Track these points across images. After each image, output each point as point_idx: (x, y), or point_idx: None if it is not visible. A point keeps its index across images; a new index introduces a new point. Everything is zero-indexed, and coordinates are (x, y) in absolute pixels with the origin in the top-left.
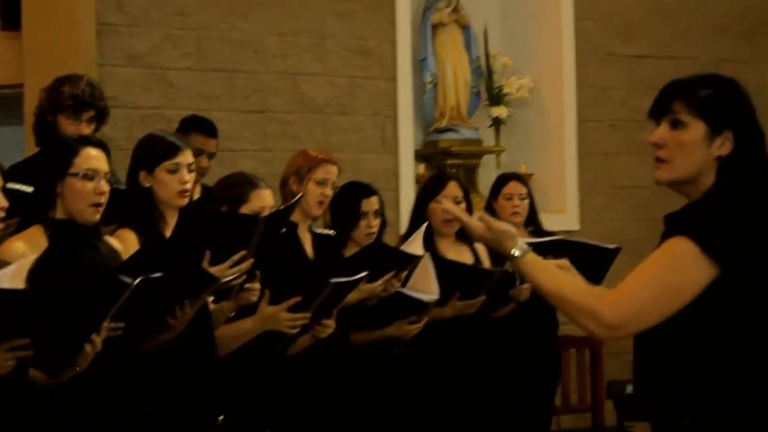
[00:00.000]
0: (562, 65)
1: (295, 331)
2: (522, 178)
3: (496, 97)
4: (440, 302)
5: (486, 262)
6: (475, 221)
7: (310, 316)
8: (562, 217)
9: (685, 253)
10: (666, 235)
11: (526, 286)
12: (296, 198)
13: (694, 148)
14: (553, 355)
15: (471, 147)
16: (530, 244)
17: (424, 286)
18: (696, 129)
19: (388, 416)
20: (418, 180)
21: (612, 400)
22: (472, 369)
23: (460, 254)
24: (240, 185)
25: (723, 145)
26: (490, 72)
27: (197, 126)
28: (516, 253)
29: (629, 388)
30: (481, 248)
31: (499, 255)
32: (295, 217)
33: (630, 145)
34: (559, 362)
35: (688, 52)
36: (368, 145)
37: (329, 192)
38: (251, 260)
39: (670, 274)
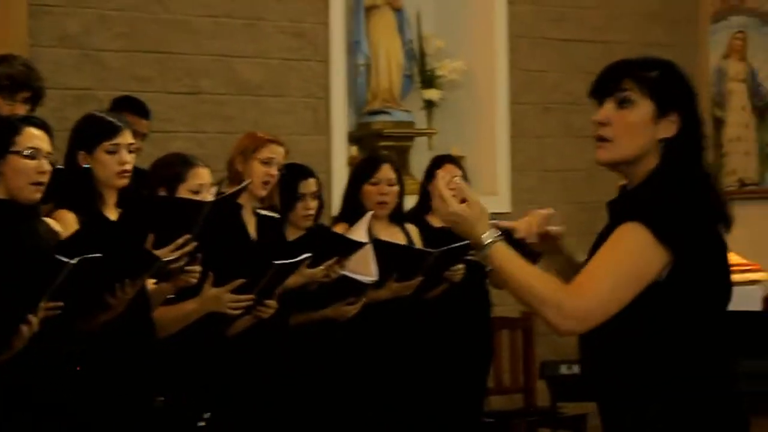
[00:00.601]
0: (495, 48)
1: (238, 312)
2: (457, 161)
3: (429, 80)
4: (377, 284)
5: (418, 244)
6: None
7: (254, 297)
8: (494, 199)
9: (640, 240)
10: (615, 222)
11: (460, 267)
12: (243, 184)
13: (640, 128)
14: (485, 336)
15: (403, 129)
16: None
17: (363, 268)
18: (644, 108)
19: (326, 396)
20: (350, 162)
21: (545, 380)
22: (407, 351)
23: (393, 236)
24: (177, 165)
25: (668, 128)
26: (422, 55)
27: (129, 106)
28: (488, 239)
29: (563, 369)
30: (413, 230)
31: (431, 237)
32: (241, 198)
33: (562, 128)
34: (492, 343)
35: (619, 36)
36: (301, 127)
37: (274, 172)
38: (194, 244)
39: (628, 263)
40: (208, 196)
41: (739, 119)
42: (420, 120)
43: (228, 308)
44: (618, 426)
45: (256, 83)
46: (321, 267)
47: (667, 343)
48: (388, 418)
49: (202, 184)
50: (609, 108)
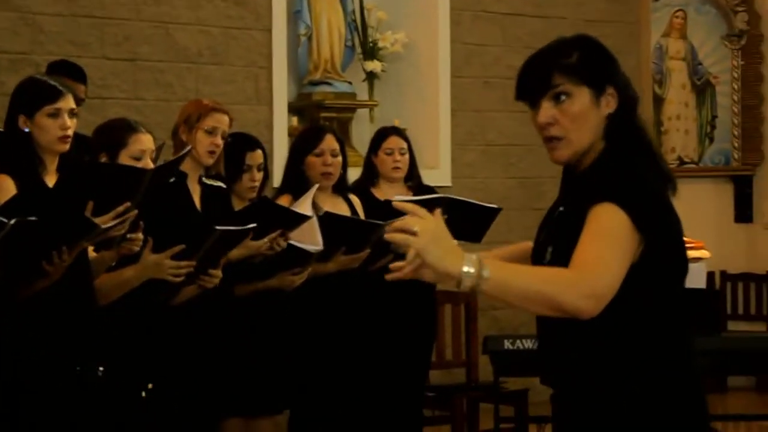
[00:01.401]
0: (437, 21)
1: (179, 279)
2: (402, 133)
3: (371, 52)
4: (324, 257)
5: (362, 216)
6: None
7: (194, 264)
8: (435, 173)
9: (622, 221)
10: (579, 203)
11: None
12: (185, 150)
13: (586, 116)
14: (429, 311)
15: (345, 100)
16: (412, 201)
17: (308, 237)
18: (582, 95)
19: (270, 368)
20: (291, 132)
21: (488, 355)
22: (353, 324)
23: (337, 207)
24: (119, 130)
25: (609, 103)
26: (364, 26)
27: (65, 71)
28: (486, 273)
29: (507, 344)
30: (356, 201)
31: (375, 209)
32: (186, 166)
33: (503, 102)
34: (436, 318)
35: (560, 11)
36: (241, 97)
37: (220, 141)
38: (135, 212)
39: (620, 239)
40: (150, 162)
41: (678, 97)
42: (361, 92)
43: (168, 274)
44: (579, 408)
45: (196, 51)
46: (265, 239)
47: (631, 324)
48: (331, 391)
49: (143, 150)
50: (548, 107)
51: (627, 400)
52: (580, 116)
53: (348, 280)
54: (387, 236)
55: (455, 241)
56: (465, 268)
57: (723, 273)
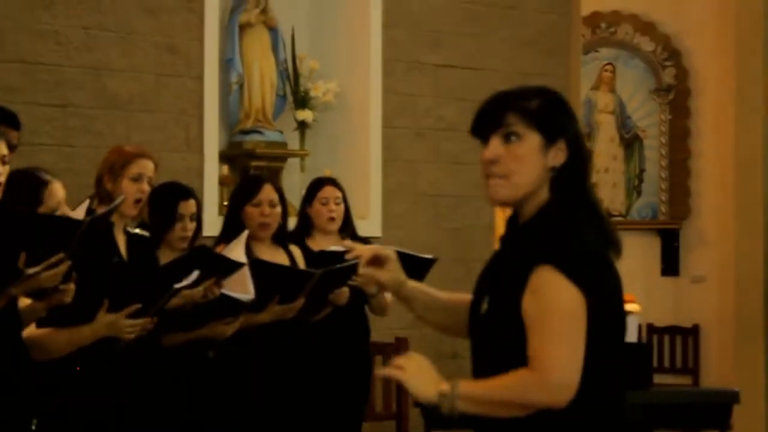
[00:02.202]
0: (369, 71)
1: (134, 336)
2: (337, 183)
3: (302, 101)
4: (258, 307)
5: (302, 266)
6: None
7: (150, 320)
8: (365, 223)
9: (560, 283)
10: (518, 262)
11: (345, 289)
12: (118, 201)
13: (531, 160)
14: (364, 362)
15: (276, 150)
16: (344, 252)
17: (240, 286)
18: (531, 140)
19: (202, 422)
20: (221, 181)
21: (419, 408)
22: (287, 374)
23: (276, 257)
24: (30, 188)
25: (557, 156)
26: (296, 75)
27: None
28: (457, 393)
29: None
30: (296, 252)
31: (311, 260)
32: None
33: (434, 153)
34: (371, 369)
35: (493, 64)
36: (172, 144)
37: (146, 188)
38: (68, 263)
39: (564, 308)
40: (67, 209)
41: (607, 150)
42: (292, 141)
43: (125, 333)
44: None
45: (127, 98)
46: (199, 288)
47: None
48: None
49: (59, 201)
50: (496, 144)
51: None
52: (525, 159)
53: (284, 330)
54: (380, 372)
55: (435, 374)
56: (440, 395)
57: (650, 326)
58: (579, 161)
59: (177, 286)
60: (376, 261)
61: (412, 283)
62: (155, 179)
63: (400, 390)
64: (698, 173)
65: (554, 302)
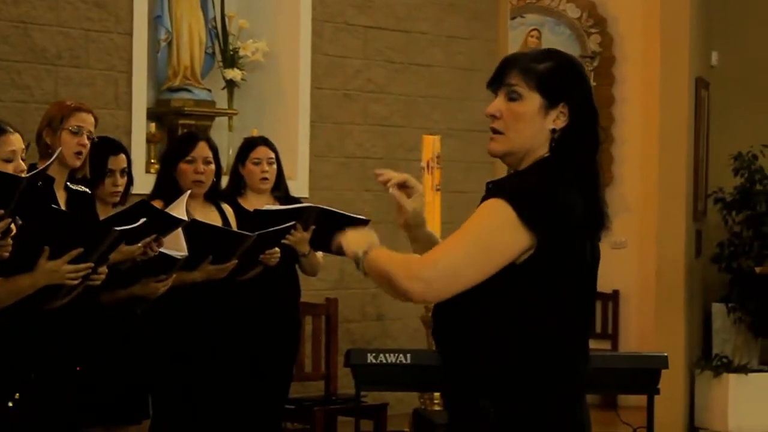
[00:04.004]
0: (299, 31)
1: (77, 282)
2: (270, 143)
3: (231, 60)
4: (191, 266)
5: (234, 225)
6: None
7: (92, 265)
8: (293, 183)
9: (502, 215)
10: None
11: (276, 250)
12: (56, 153)
13: (529, 120)
14: (294, 322)
15: (204, 108)
16: (279, 211)
17: (173, 244)
18: (531, 101)
19: (132, 377)
20: (149, 138)
21: (351, 369)
22: (216, 333)
23: (209, 216)
24: None
25: (557, 119)
26: (225, 33)
27: None
28: (367, 254)
29: (370, 358)
30: (229, 210)
31: (243, 219)
32: (52, 170)
33: (362, 115)
34: (300, 329)
35: (421, 26)
36: (101, 101)
37: (86, 141)
38: (9, 219)
39: (485, 234)
40: (22, 163)
41: None
42: (221, 100)
43: (67, 279)
44: (461, 421)
45: (55, 52)
46: (139, 244)
47: (512, 334)
48: (192, 401)
49: (14, 150)
50: (500, 101)
51: (501, 418)
52: (523, 119)
53: (214, 290)
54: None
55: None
56: (356, 253)
57: None
58: (583, 127)
59: (118, 228)
60: (405, 187)
61: (428, 228)
62: (95, 134)
63: (330, 351)
64: (622, 140)
65: (483, 223)
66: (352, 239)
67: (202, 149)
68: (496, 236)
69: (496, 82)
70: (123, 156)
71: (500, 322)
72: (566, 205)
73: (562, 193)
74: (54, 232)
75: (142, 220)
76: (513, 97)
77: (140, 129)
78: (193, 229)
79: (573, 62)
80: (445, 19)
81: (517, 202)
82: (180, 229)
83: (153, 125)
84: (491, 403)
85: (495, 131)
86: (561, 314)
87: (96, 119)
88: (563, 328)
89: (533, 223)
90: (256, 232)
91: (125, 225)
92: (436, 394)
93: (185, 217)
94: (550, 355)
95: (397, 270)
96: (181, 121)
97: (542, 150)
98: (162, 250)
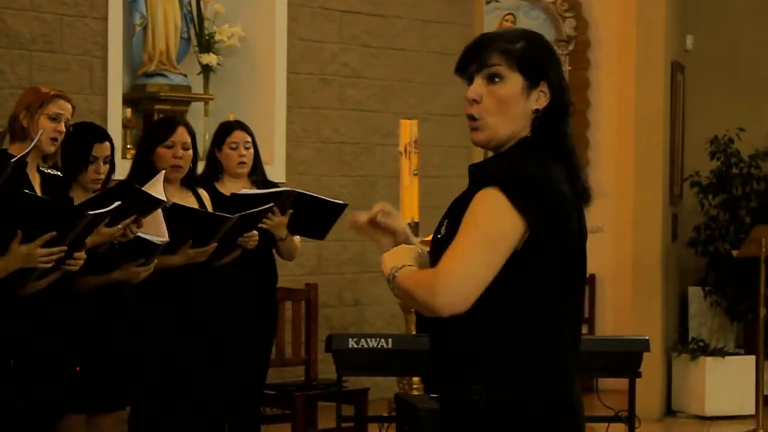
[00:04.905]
0: (274, 16)
1: (50, 265)
2: (246, 127)
3: (207, 44)
4: (171, 249)
5: (210, 210)
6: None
7: (65, 249)
8: (270, 169)
9: (498, 206)
10: (476, 187)
11: (254, 233)
12: (36, 138)
13: (513, 103)
14: (271, 306)
15: (180, 93)
16: (257, 195)
17: (153, 229)
18: (514, 81)
19: (112, 364)
20: (125, 124)
21: (332, 354)
22: (193, 317)
23: (185, 200)
24: None
25: (539, 99)
26: (201, 18)
27: None
28: (395, 270)
29: (351, 343)
30: (205, 195)
31: (220, 204)
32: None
33: (339, 100)
34: (277, 313)
35: (396, 11)
36: (76, 86)
37: (63, 128)
38: None
39: (489, 229)
40: None
41: None
42: (196, 85)
43: (40, 262)
44: (452, 408)
45: (30, 37)
46: (119, 226)
47: (504, 320)
48: (171, 387)
49: None
50: (479, 84)
51: (496, 408)
52: (506, 101)
53: (191, 274)
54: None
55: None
56: (392, 270)
57: None
58: (560, 106)
59: (91, 212)
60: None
61: (414, 239)
62: (71, 122)
63: (310, 336)
64: (597, 124)
65: (482, 218)
66: (388, 258)
67: (181, 134)
68: (498, 228)
69: (472, 66)
70: (108, 144)
71: (492, 308)
72: (557, 190)
73: (551, 178)
74: (26, 215)
75: (116, 203)
76: (494, 80)
77: (116, 114)
78: (174, 213)
79: (543, 39)
80: (420, 4)
81: (510, 190)
82: (161, 215)
83: (129, 110)
84: (483, 389)
85: (471, 117)
86: (553, 299)
87: (74, 107)
88: (555, 313)
89: (526, 210)
90: (237, 214)
91: (105, 207)
92: (416, 379)
93: (164, 197)
94: (543, 340)
95: (419, 290)
96: (157, 107)
97: (524, 132)
98: (143, 235)
